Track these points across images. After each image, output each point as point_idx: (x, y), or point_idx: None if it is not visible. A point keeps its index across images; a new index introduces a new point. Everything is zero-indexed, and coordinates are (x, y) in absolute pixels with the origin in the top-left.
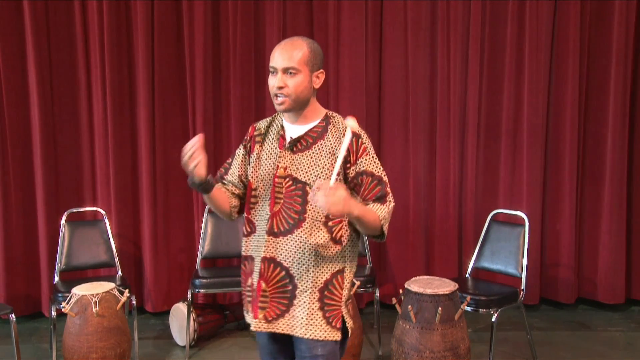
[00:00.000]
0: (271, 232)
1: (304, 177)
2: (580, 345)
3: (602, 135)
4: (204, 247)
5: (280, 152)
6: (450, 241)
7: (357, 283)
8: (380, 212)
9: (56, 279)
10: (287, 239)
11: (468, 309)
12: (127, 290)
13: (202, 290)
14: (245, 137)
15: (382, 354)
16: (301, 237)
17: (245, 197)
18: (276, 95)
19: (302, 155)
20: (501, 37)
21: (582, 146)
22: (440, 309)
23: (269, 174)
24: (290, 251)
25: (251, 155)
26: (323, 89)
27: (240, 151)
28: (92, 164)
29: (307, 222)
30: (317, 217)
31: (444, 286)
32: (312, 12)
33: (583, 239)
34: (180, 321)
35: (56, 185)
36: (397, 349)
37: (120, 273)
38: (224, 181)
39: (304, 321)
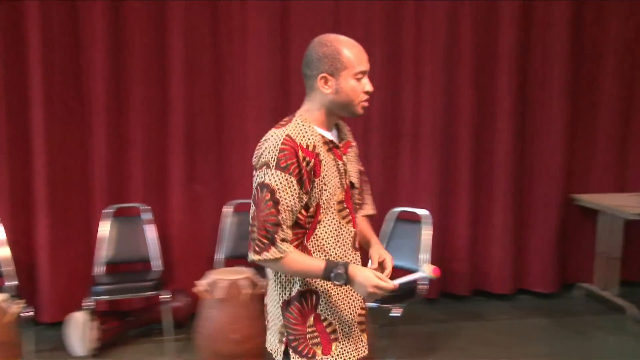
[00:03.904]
0: (355, 248)
1: (354, 180)
2: (475, 334)
3: (493, 135)
4: (105, 252)
5: (341, 163)
6: None
7: (263, 283)
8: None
9: None
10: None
11: (373, 305)
12: (19, 301)
13: (104, 297)
14: (289, 163)
15: None
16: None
17: (301, 226)
18: (364, 100)
19: (347, 160)
20: (400, 38)
21: (476, 145)
22: None
23: (340, 188)
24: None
25: (317, 179)
26: (229, 91)
27: (292, 184)
28: None
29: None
30: None
31: None
32: (217, 12)
33: (477, 234)
34: (79, 330)
35: None
36: None
37: (10, 283)
38: (286, 239)
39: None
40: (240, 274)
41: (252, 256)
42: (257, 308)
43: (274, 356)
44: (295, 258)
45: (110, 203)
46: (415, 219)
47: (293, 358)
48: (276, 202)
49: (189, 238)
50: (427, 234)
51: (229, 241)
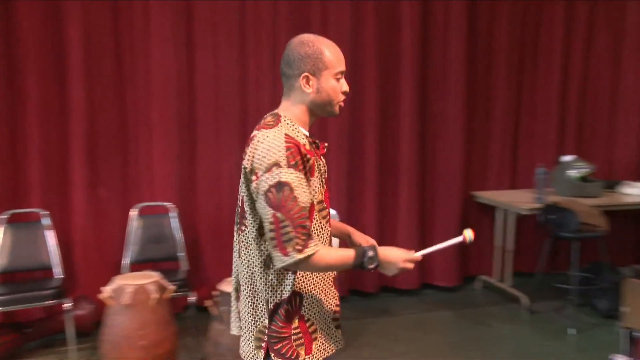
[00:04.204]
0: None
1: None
2: (383, 330)
3: (397, 135)
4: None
5: (322, 162)
6: None
7: (172, 287)
8: None
9: None
10: None
11: None
12: None
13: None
14: (297, 160)
15: (201, 357)
16: None
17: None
18: (341, 100)
19: (323, 160)
20: None
21: (381, 145)
22: None
23: (321, 188)
24: None
25: (312, 178)
26: (133, 91)
27: (304, 181)
28: None
29: None
30: None
31: None
32: (118, 10)
33: (384, 232)
34: None
35: None
36: (213, 351)
37: None
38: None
39: None
40: (148, 278)
41: (294, 256)
42: (166, 312)
43: None
44: (326, 251)
45: (5, 209)
46: None
47: None
48: (295, 199)
49: (93, 243)
50: None
51: (136, 245)
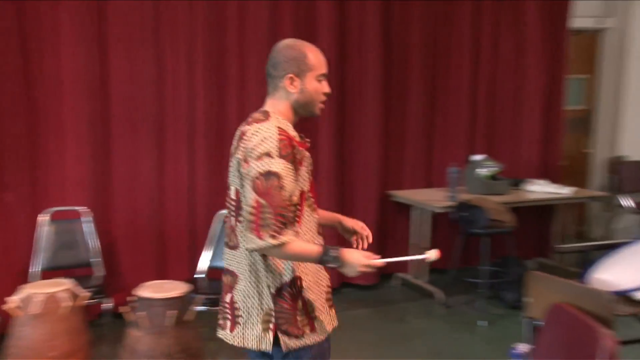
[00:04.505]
0: (319, 233)
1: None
2: None
3: (316, 135)
4: None
5: (308, 155)
6: (183, 243)
7: (86, 294)
8: None
9: None
10: None
11: (201, 308)
12: None
13: None
14: (288, 152)
15: None
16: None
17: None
18: (322, 101)
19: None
20: (224, 40)
21: None
22: (172, 312)
23: (309, 178)
24: None
25: (302, 167)
26: (41, 92)
27: (292, 172)
28: None
29: None
30: None
31: (176, 289)
32: (25, 9)
33: None
34: None
35: None
36: (130, 358)
37: None
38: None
39: None
40: (59, 286)
41: (267, 241)
42: (79, 321)
43: (256, 348)
44: (297, 242)
45: None
46: None
47: (283, 341)
48: (282, 188)
49: None
50: None
51: (46, 252)
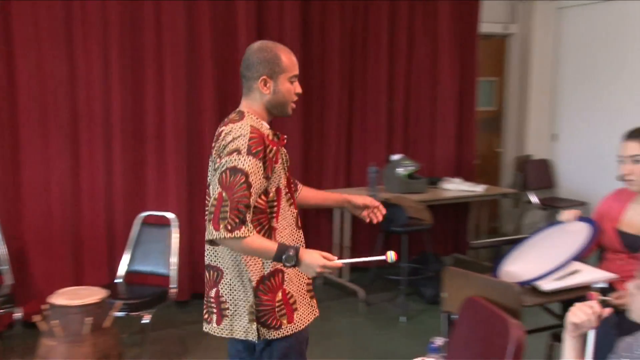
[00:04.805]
0: (298, 227)
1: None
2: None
3: None
4: None
5: (284, 152)
6: (101, 247)
7: None
8: None
9: None
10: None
11: (120, 314)
12: None
13: None
14: (259, 150)
15: None
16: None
17: (262, 210)
18: (294, 101)
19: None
20: (141, 37)
21: None
22: (88, 319)
23: (285, 174)
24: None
25: (277, 165)
26: None
27: (261, 169)
28: None
29: None
30: None
31: (93, 295)
32: None
33: None
34: None
35: None
36: None
37: None
38: (251, 220)
39: None
40: None
41: (222, 234)
42: None
43: (243, 337)
44: (254, 239)
45: None
46: (163, 223)
47: (261, 332)
48: (249, 186)
49: None
50: (176, 237)
51: None
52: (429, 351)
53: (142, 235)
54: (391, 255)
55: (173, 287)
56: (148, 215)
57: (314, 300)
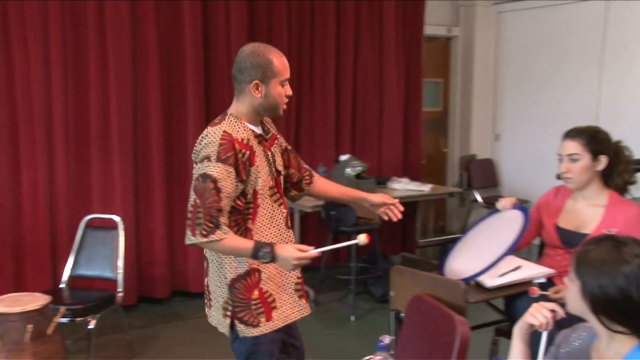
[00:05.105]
0: (288, 227)
1: (280, 168)
2: (176, 335)
3: (183, 137)
4: None
5: (269, 153)
6: (43, 253)
7: None
8: None
9: None
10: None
11: (64, 320)
12: None
13: None
14: (228, 155)
15: None
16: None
17: (240, 212)
18: (285, 103)
19: (274, 151)
20: (84, 40)
21: (167, 147)
22: (29, 326)
23: (270, 176)
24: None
25: (252, 168)
26: None
27: (232, 174)
28: None
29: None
30: None
31: (35, 301)
32: None
33: (173, 236)
34: None
35: None
36: None
37: None
38: (226, 223)
39: None
40: None
41: (198, 239)
42: None
43: (219, 329)
44: (231, 240)
45: None
46: (109, 226)
47: (239, 328)
48: (218, 191)
49: None
50: (122, 240)
51: None
52: (378, 349)
53: (87, 238)
54: (362, 238)
55: (120, 291)
56: (93, 218)
57: (303, 300)
